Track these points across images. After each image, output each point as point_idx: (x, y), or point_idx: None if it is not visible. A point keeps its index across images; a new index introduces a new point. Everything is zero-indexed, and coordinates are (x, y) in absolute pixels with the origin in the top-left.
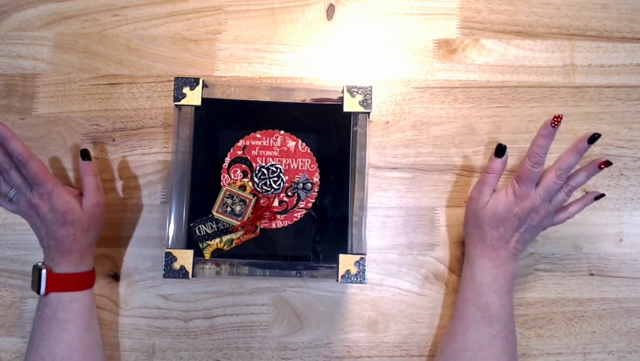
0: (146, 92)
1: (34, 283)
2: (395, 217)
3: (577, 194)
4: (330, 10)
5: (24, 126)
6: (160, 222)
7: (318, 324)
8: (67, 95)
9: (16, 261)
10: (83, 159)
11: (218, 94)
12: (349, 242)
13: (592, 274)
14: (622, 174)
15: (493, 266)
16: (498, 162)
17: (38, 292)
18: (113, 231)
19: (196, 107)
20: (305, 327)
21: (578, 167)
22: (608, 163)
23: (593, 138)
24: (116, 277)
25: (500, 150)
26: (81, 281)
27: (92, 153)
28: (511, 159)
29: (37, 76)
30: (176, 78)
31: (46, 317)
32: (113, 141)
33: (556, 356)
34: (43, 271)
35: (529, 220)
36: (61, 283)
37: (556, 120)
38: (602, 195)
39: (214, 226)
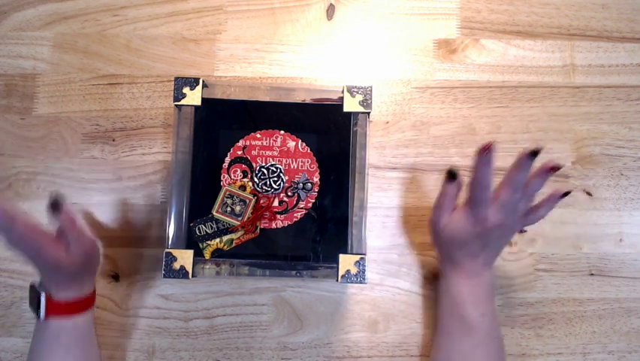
0: (146, 92)
1: (32, 302)
2: (395, 217)
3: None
4: (330, 10)
5: (24, 126)
6: (160, 222)
7: (318, 324)
8: (67, 95)
9: (16, 261)
10: (54, 211)
11: (218, 94)
12: (349, 242)
13: (592, 274)
14: (622, 174)
15: (466, 278)
16: (451, 186)
17: (37, 315)
18: (113, 231)
19: (196, 107)
20: (305, 327)
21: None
22: (556, 168)
23: (534, 154)
24: (116, 277)
25: (451, 176)
26: (82, 305)
27: (92, 153)
28: (512, 158)
29: (37, 76)
30: (176, 78)
31: (47, 339)
32: (113, 140)
33: (556, 356)
34: (43, 297)
35: (494, 235)
36: (62, 308)
37: (486, 149)
38: (569, 193)
39: (214, 225)
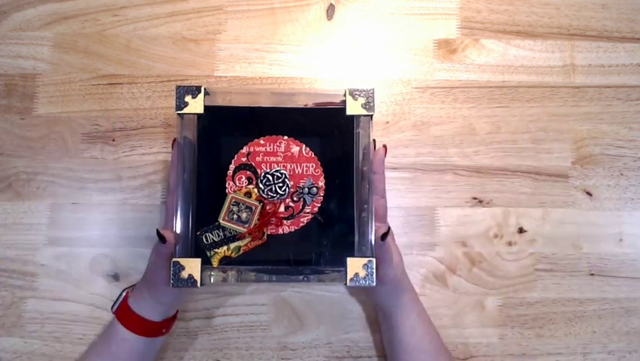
0: (146, 92)
1: (118, 297)
2: (395, 217)
3: None
4: (330, 10)
5: (24, 126)
6: (160, 222)
7: (318, 324)
8: (67, 95)
9: (16, 261)
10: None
11: (219, 101)
12: (356, 245)
13: (592, 274)
14: (622, 174)
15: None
16: None
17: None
18: (113, 231)
19: (198, 115)
20: (305, 327)
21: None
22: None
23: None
24: (116, 277)
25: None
26: (150, 327)
27: (92, 153)
28: (512, 158)
29: (37, 76)
30: (178, 87)
31: (104, 339)
32: (113, 141)
33: (556, 356)
34: (123, 294)
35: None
36: (130, 319)
37: None
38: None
39: (221, 233)
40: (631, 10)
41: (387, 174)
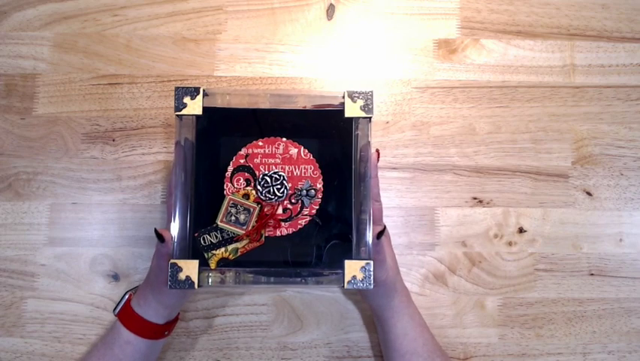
0: (146, 92)
1: (120, 300)
2: (395, 217)
3: None
4: (330, 10)
5: (24, 126)
6: (160, 222)
7: (318, 324)
8: (67, 95)
9: (16, 261)
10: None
11: (218, 102)
12: (354, 247)
13: (592, 274)
14: (622, 174)
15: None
16: None
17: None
18: (113, 231)
19: (197, 117)
20: (305, 327)
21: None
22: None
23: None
24: (116, 277)
25: None
26: (152, 330)
27: (92, 153)
28: (512, 158)
29: (37, 76)
30: (177, 88)
31: (106, 342)
32: (113, 141)
33: (556, 356)
34: (126, 296)
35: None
36: (133, 321)
37: None
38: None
39: (219, 235)
40: (631, 10)
41: (388, 173)
